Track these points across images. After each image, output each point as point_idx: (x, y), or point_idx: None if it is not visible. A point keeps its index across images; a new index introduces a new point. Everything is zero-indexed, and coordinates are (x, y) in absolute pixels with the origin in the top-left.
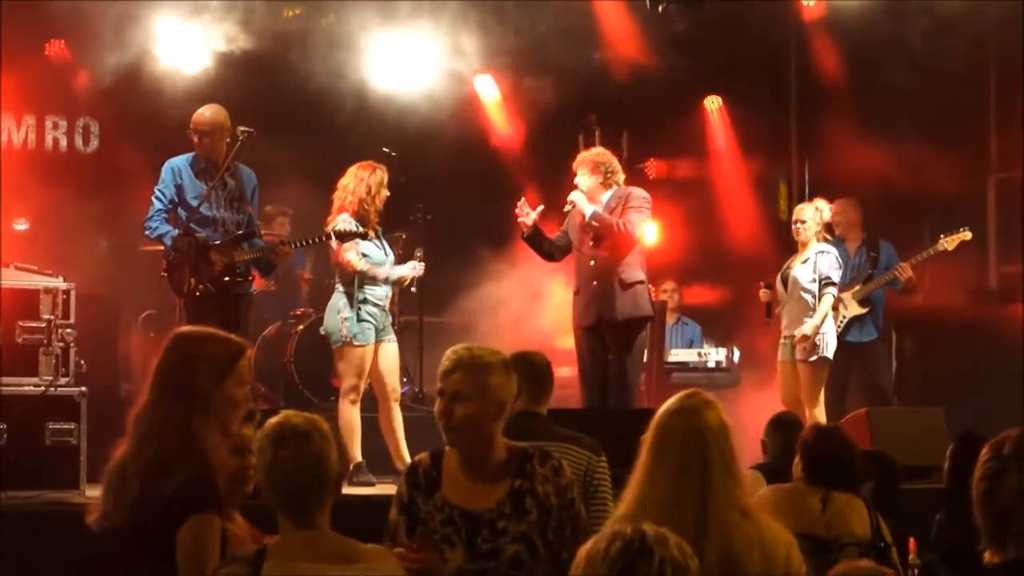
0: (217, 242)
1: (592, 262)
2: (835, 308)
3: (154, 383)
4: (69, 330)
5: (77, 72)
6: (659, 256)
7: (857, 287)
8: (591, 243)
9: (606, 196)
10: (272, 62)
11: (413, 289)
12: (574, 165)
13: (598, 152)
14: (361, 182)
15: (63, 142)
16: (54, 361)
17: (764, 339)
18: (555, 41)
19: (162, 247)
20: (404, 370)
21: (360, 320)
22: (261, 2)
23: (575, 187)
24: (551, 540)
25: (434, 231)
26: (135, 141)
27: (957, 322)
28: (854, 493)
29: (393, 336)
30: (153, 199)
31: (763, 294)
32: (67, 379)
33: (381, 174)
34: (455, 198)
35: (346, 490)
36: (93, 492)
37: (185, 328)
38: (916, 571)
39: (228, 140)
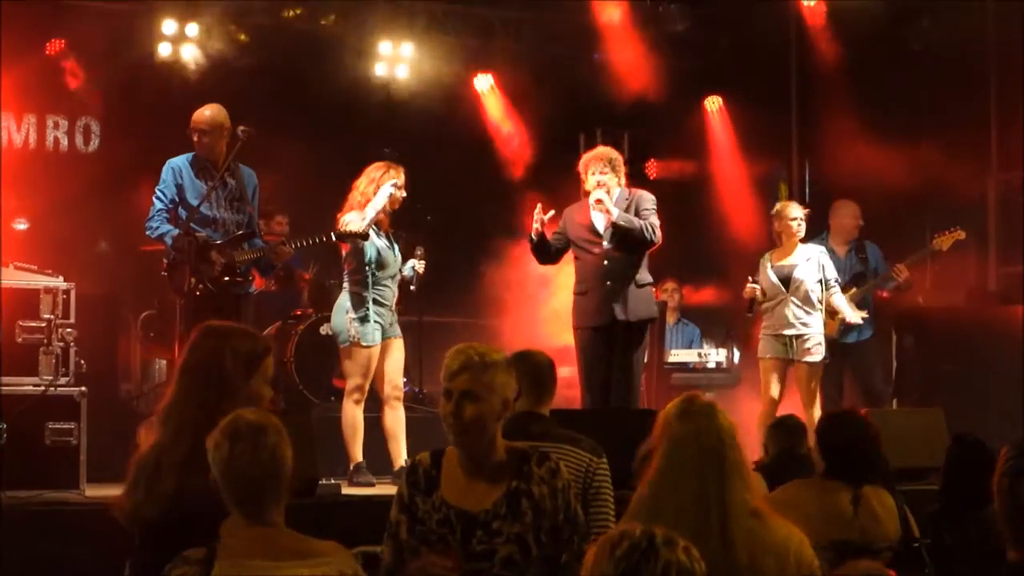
0: (218, 242)
1: (606, 262)
2: (833, 312)
3: (183, 375)
4: (69, 330)
5: (78, 71)
6: (659, 256)
7: (853, 290)
8: (607, 244)
9: (615, 196)
10: (272, 62)
11: (412, 288)
12: (583, 162)
13: (610, 150)
14: (372, 182)
15: (64, 142)
16: (54, 361)
17: None
18: (555, 41)
19: (162, 247)
20: (404, 370)
21: (369, 321)
22: (261, 2)
23: (582, 186)
24: (544, 542)
25: (434, 231)
26: (135, 141)
27: (957, 322)
28: (880, 484)
29: (399, 333)
30: (154, 199)
31: (749, 290)
32: (67, 379)
33: (394, 174)
34: (455, 198)
35: (346, 490)
36: (93, 492)
37: (214, 322)
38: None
39: (228, 139)
